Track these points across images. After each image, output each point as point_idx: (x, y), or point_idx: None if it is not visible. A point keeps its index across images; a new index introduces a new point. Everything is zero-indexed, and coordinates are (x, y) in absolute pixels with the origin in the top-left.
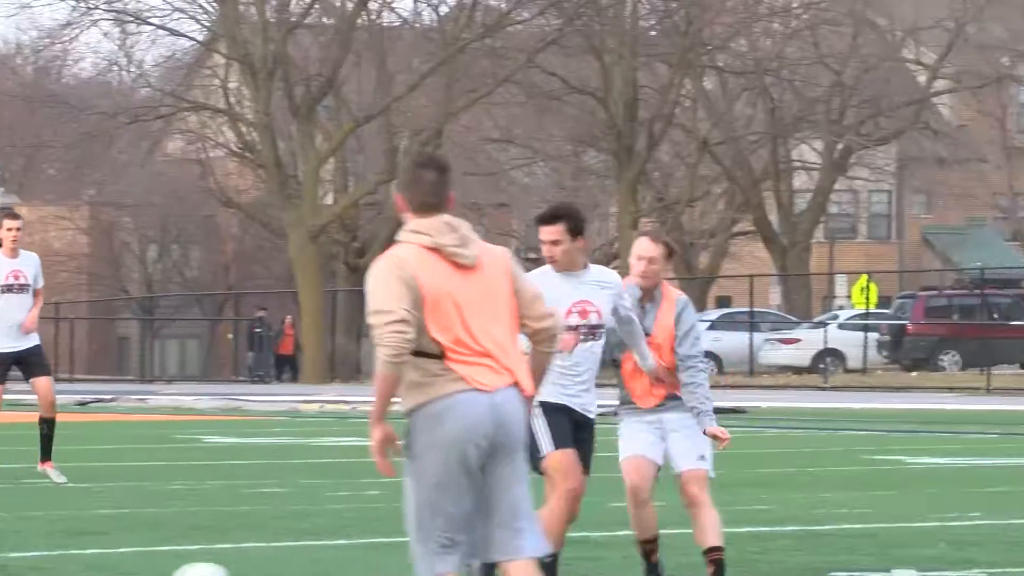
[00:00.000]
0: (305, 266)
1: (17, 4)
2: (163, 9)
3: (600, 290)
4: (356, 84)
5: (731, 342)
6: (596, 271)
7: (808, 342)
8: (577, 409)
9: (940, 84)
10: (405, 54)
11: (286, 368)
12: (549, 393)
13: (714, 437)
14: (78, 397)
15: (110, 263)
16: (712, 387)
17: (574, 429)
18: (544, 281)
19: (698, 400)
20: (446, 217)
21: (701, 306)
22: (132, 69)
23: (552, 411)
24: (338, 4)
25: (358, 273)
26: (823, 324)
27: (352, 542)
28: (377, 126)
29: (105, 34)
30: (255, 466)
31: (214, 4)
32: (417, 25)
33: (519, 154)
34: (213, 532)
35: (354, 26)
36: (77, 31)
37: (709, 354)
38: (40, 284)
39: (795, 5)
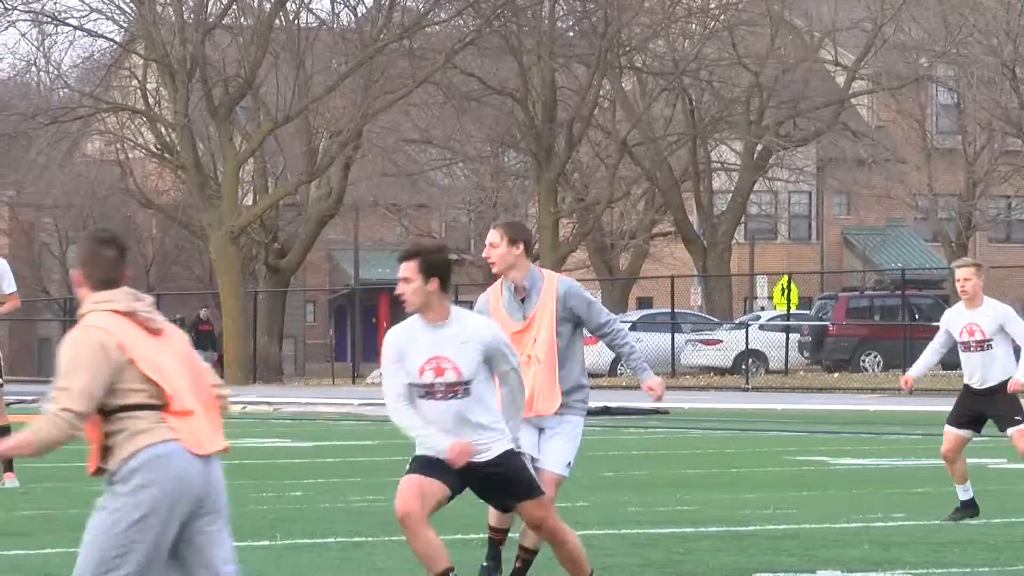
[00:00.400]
0: (226, 267)
1: None
2: (81, 10)
3: (460, 344)
4: (274, 85)
5: (652, 343)
6: (466, 323)
7: (730, 343)
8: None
9: (859, 85)
10: (323, 55)
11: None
12: (426, 448)
13: (649, 389)
14: None
15: (30, 264)
16: (635, 388)
17: (462, 477)
18: (404, 333)
19: (633, 362)
20: (127, 288)
21: (622, 307)
22: (51, 70)
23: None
24: (255, 5)
25: (279, 274)
26: (745, 325)
27: (276, 543)
28: (296, 127)
29: (23, 35)
30: None
31: (131, 5)
32: (335, 26)
33: (438, 155)
34: None
35: (272, 27)
36: None
37: None
38: (9, 289)
39: (712, 6)
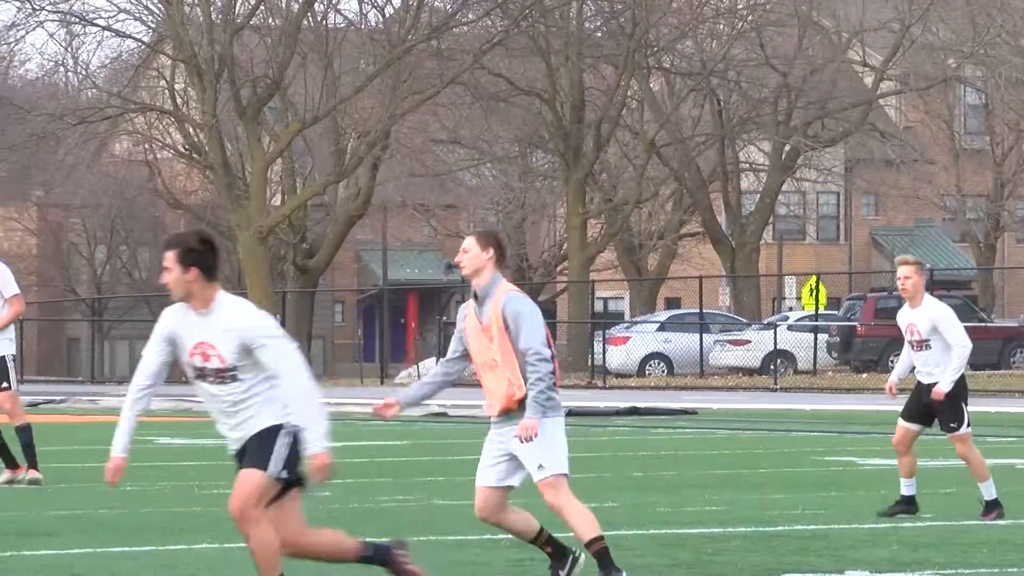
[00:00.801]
0: (254, 267)
1: None
2: (109, 10)
3: (223, 332)
4: (302, 85)
5: (681, 343)
6: (226, 312)
7: (758, 343)
8: (237, 447)
9: (887, 86)
10: (351, 55)
11: None
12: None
13: (521, 427)
14: (28, 398)
15: (59, 264)
16: (663, 388)
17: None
18: (177, 316)
19: (529, 395)
20: None
21: (651, 307)
22: (79, 70)
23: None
24: (283, 5)
25: (308, 274)
26: (773, 326)
27: None
28: (324, 127)
29: (51, 35)
30: (207, 467)
31: (159, 5)
32: (363, 27)
33: (466, 155)
34: (165, 533)
35: (299, 27)
36: (23, 32)
37: (659, 355)
38: (9, 292)
39: (740, 6)
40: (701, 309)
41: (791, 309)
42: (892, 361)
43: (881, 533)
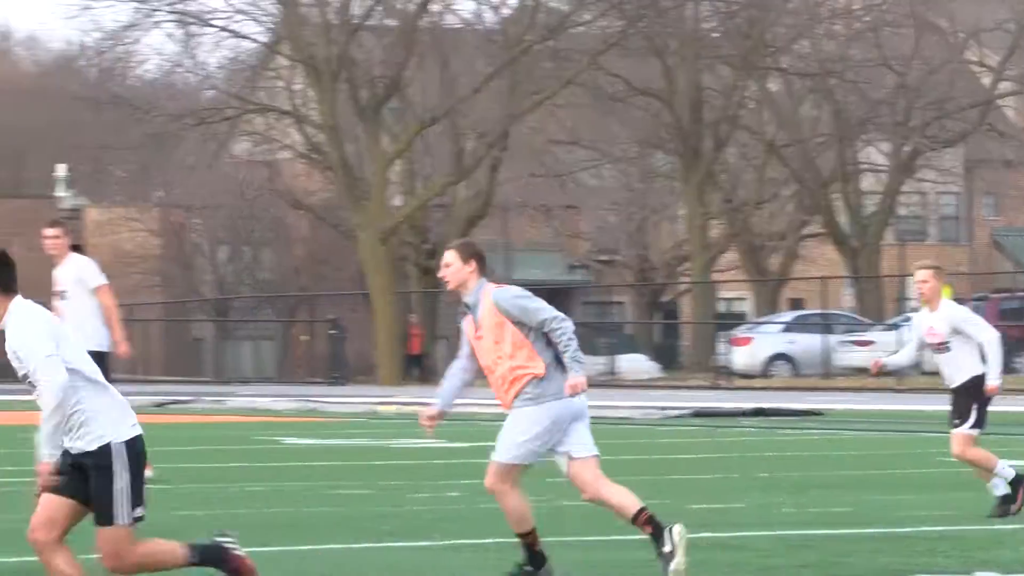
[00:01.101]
0: (376, 268)
1: (79, 5)
2: (225, 11)
3: (8, 342)
4: (420, 86)
5: (805, 344)
6: (12, 318)
7: (882, 344)
8: (73, 453)
9: (1005, 86)
10: (468, 56)
11: (414, 367)
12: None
13: (569, 386)
14: (155, 399)
15: (182, 264)
16: (787, 389)
17: (74, 473)
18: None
19: (567, 356)
20: None
21: (773, 308)
22: (196, 71)
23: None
24: (399, 6)
25: (430, 275)
26: (896, 326)
27: (432, 544)
28: (443, 128)
29: (168, 36)
30: (334, 467)
31: (277, 6)
32: (479, 27)
33: (586, 156)
34: (292, 533)
35: (416, 28)
36: (140, 33)
37: (784, 356)
38: (92, 284)
39: (856, 7)
40: (825, 310)
41: (914, 310)
42: (1016, 362)
43: (1010, 534)
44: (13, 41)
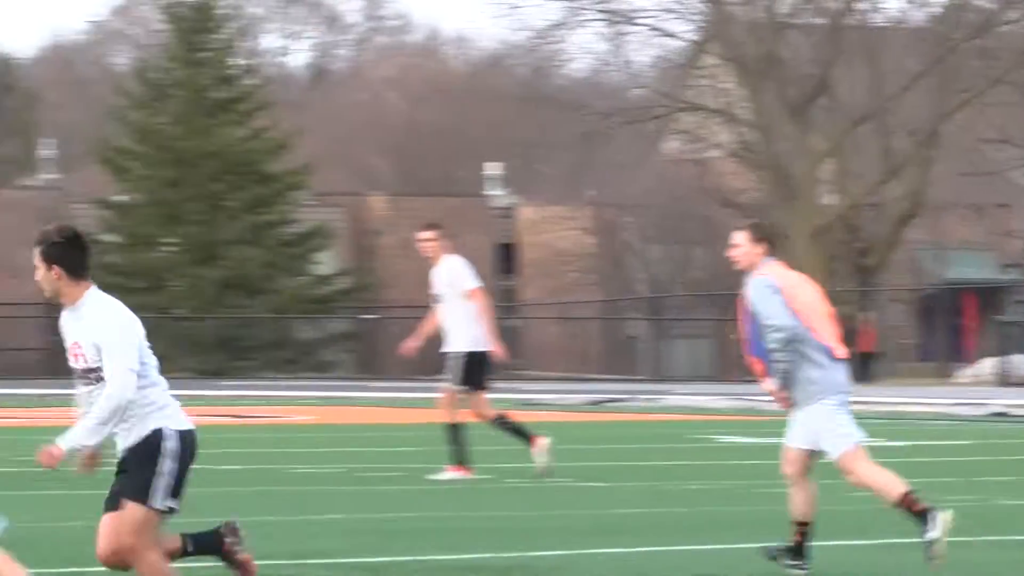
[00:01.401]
0: (810, 267)
1: (508, 5)
2: (653, 10)
3: (86, 332)
4: (848, 84)
5: None
6: (88, 310)
7: None
8: (121, 450)
9: None
10: (896, 54)
11: (870, 365)
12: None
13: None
14: (590, 396)
15: (614, 262)
16: None
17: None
18: (63, 316)
19: None
20: None
21: None
22: (625, 69)
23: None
24: (826, 4)
25: (862, 272)
26: None
27: (869, 542)
28: (872, 126)
29: (596, 34)
30: (772, 466)
31: (705, 4)
32: (906, 25)
33: (1017, 154)
34: (728, 530)
35: (843, 26)
36: (567, 31)
37: None
38: (463, 287)
39: None
40: None
41: None
42: None
43: None
44: (442, 41)
